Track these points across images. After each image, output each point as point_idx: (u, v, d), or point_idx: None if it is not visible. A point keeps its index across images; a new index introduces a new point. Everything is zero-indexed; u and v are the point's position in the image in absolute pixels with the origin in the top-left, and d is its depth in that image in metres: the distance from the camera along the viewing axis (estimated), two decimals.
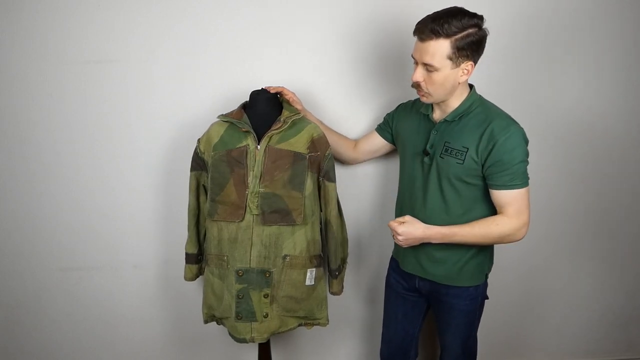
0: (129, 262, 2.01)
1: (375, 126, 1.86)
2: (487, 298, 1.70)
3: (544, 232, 2.17)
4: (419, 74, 1.43)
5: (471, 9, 1.41)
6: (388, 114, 1.81)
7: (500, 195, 1.47)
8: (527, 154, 1.47)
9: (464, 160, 1.48)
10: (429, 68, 1.41)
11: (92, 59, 1.79)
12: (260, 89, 1.67)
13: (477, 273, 1.62)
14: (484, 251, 1.62)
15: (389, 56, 1.89)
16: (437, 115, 1.56)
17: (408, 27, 1.84)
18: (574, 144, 2.08)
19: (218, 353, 2.17)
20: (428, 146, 1.55)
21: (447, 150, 1.50)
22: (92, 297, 2.04)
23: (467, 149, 1.47)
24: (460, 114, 1.50)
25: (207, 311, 1.74)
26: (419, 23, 1.41)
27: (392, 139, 1.79)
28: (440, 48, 1.37)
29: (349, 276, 2.09)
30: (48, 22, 1.75)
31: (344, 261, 1.80)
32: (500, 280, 2.19)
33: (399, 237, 1.51)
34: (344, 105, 1.93)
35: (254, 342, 1.64)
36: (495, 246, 2.08)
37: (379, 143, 1.82)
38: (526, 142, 1.46)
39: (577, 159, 2.10)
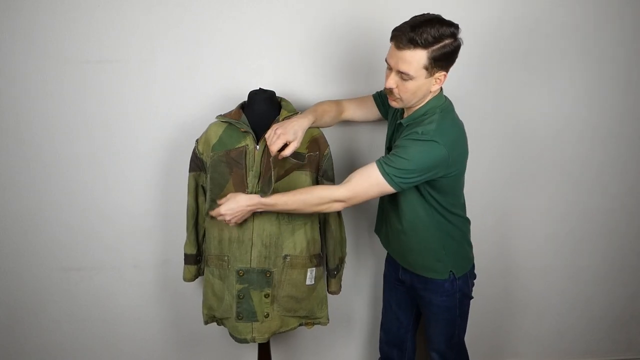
0: (129, 262, 2.01)
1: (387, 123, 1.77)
2: (472, 297, 1.71)
3: (544, 232, 2.16)
4: (393, 81, 1.42)
5: (458, 14, 1.41)
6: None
7: (365, 166, 1.44)
8: (416, 165, 1.38)
9: None
10: (403, 76, 1.39)
11: (92, 59, 1.80)
12: (258, 88, 1.67)
13: (439, 267, 1.60)
14: (447, 248, 1.60)
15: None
16: (404, 115, 1.55)
17: None
18: (573, 144, 2.08)
19: (218, 353, 2.17)
20: (391, 143, 1.58)
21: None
22: (92, 297, 2.04)
23: None
24: (414, 119, 1.48)
25: (208, 312, 1.74)
26: (396, 30, 1.38)
27: (385, 115, 1.74)
28: (416, 57, 1.35)
29: (348, 275, 2.09)
30: (48, 22, 1.75)
31: (342, 260, 1.81)
32: (500, 280, 2.19)
33: (226, 217, 1.47)
34: None
35: (254, 342, 1.64)
36: (495, 245, 2.10)
37: (371, 112, 1.76)
38: (433, 157, 1.38)
39: (577, 160, 2.10)
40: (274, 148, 1.47)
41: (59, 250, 1.97)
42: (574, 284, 2.25)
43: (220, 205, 1.49)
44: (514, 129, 2.03)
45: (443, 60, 1.38)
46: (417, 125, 1.44)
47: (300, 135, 1.50)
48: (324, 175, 1.68)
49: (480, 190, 2.04)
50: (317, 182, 1.69)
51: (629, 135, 2.10)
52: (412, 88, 1.41)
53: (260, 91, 1.65)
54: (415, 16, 1.39)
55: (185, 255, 1.80)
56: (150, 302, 2.07)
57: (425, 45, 1.34)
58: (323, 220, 1.75)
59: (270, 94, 1.66)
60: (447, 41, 1.35)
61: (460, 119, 1.56)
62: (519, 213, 2.13)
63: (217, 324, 1.77)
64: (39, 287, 2.00)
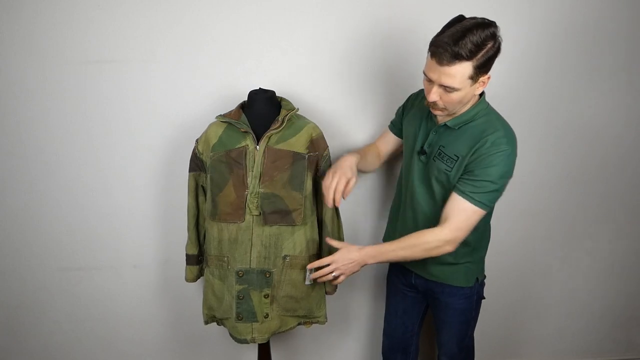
0: (129, 262, 2.01)
1: (386, 123, 1.80)
2: (484, 298, 1.71)
3: (545, 233, 2.17)
4: (436, 94, 1.37)
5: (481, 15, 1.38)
6: (399, 109, 1.75)
7: (453, 201, 1.43)
8: (503, 178, 1.40)
9: (452, 168, 1.45)
10: (447, 89, 1.34)
11: (92, 59, 1.80)
12: (258, 88, 1.67)
13: (468, 276, 1.61)
14: (475, 257, 1.61)
15: (389, 56, 1.89)
16: (440, 117, 1.52)
17: (408, 27, 1.86)
18: (574, 145, 2.08)
19: (218, 353, 2.17)
20: (425, 145, 1.53)
21: (440, 154, 1.48)
22: (92, 297, 2.04)
23: (458, 158, 1.44)
24: (462, 123, 1.46)
25: (208, 312, 1.74)
26: (436, 45, 1.30)
27: (400, 133, 1.74)
28: (462, 70, 1.30)
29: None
30: (48, 22, 1.75)
31: None
32: (500, 280, 2.19)
33: (332, 271, 1.50)
34: (344, 105, 1.93)
35: (254, 342, 1.64)
36: (496, 245, 2.10)
37: (396, 142, 1.76)
38: (510, 166, 1.40)
39: (578, 160, 2.10)
40: (339, 197, 1.46)
41: (59, 250, 1.97)
42: (574, 284, 2.25)
43: (329, 264, 1.51)
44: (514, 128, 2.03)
45: (487, 65, 1.33)
46: (478, 132, 1.42)
47: (355, 169, 1.53)
48: (322, 176, 1.68)
49: None
50: (315, 182, 1.69)
51: (629, 135, 2.10)
52: (458, 98, 1.37)
53: (261, 91, 1.65)
54: (452, 25, 1.31)
55: (187, 255, 1.79)
56: (151, 302, 2.07)
57: (470, 57, 1.28)
58: (321, 221, 1.75)
59: (271, 94, 1.65)
60: (489, 45, 1.30)
61: None
62: (518, 214, 2.14)
63: (217, 324, 1.77)
64: (39, 287, 2.00)
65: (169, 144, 1.91)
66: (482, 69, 1.33)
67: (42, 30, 1.76)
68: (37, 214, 1.93)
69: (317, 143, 1.65)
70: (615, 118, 2.07)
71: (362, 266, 1.52)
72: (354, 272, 1.52)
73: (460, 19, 1.33)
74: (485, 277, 1.71)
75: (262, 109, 1.63)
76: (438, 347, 1.77)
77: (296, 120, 1.66)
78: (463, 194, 1.41)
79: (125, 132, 1.88)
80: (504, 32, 1.35)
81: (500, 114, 1.51)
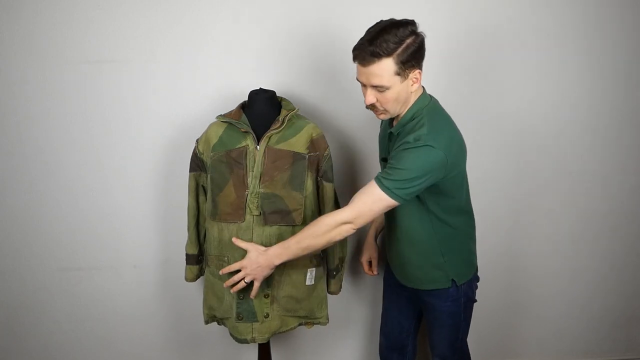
0: (129, 262, 2.01)
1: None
2: (475, 301, 1.69)
3: (544, 232, 2.17)
4: (371, 96, 1.39)
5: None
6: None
7: (366, 185, 1.43)
8: (416, 170, 1.35)
9: None
10: (379, 89, 1.38)
11: (92, 59, 1.80)
12: (258, 88, 1.67)
13: (441, 277, 1.59)
14: (445, 257, 1.58)
15: None
16: (394, 123, 1.53)
17: None
18: (573, 144, 2.08)
19: (218, 353, 2.17)
20: (385, 153, 1.57)
21: (389, 159, 1.50)
22: (92, 297, 2.04)
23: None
24: (403, 125, 1.46)
25: (208, 312, 1.74)
26: (356, 49, 1.37)
27: None
28: (385, 67, 1.33)
29: (349, 275, 2.09)
30: (48, 22, 1.75)
31: (342, 261, 1.80)
32: (499, 281, 2.19)
33: (246, 276, 1.50)
34: (344, 105, 1.93)
35: (255, 342, 1.64)
36: (496, 245, 2.10)
37: None
38: (427, 160, 1.36)
39: (577, 159, 2.10)
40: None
41: (59, 250, 1.97)
42: (574, 284, 2.25)
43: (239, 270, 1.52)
44: (514, 128, 2.03)
45: (412, 60, 1.36)
46: (408, 132, 1.42)
47: (372, 246, 1.87)
48: (323, 176, 1.68)
49: (479, 191, 2.04)
50: (317, 183, 1.69)
51: (629, 136, 2.10)
52: (392, 96, 1.39)
53: (261, 91, 1.65)
54: (369, 29, 1.38)
55: (187, 255, 1.80)
56: (150, 302, 2.07)
57: (388, 53, 1.32)
58: None
59: (271, 94, 1.65)
60: (408, 41, 1.33)
61: (461, 118, 1.54)
62: (518, 214, 2.14)
63: (218, 324, 1.77)
64: (39, 287, 2.00)
65: (169, 144, 1.91)
66: (407, 64, 1.35)
67: (42, 30, 1.76)
68: (37, 214, 1.93)
69: (318, 143, 1.65)
70: (615, 117, 2.07)
71: (272, 268, 1.50)
72: (265, 276, 1.52)
73: (379, 23, 1.38)
74: (477, 279, 1.69)
75: (263, 109, 1.63)
76: (430, 349, 1.77)
77: (296, 121, 1.66)
78: (375, 177, 1.41)
79: (125, 132, 1.88)
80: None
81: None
